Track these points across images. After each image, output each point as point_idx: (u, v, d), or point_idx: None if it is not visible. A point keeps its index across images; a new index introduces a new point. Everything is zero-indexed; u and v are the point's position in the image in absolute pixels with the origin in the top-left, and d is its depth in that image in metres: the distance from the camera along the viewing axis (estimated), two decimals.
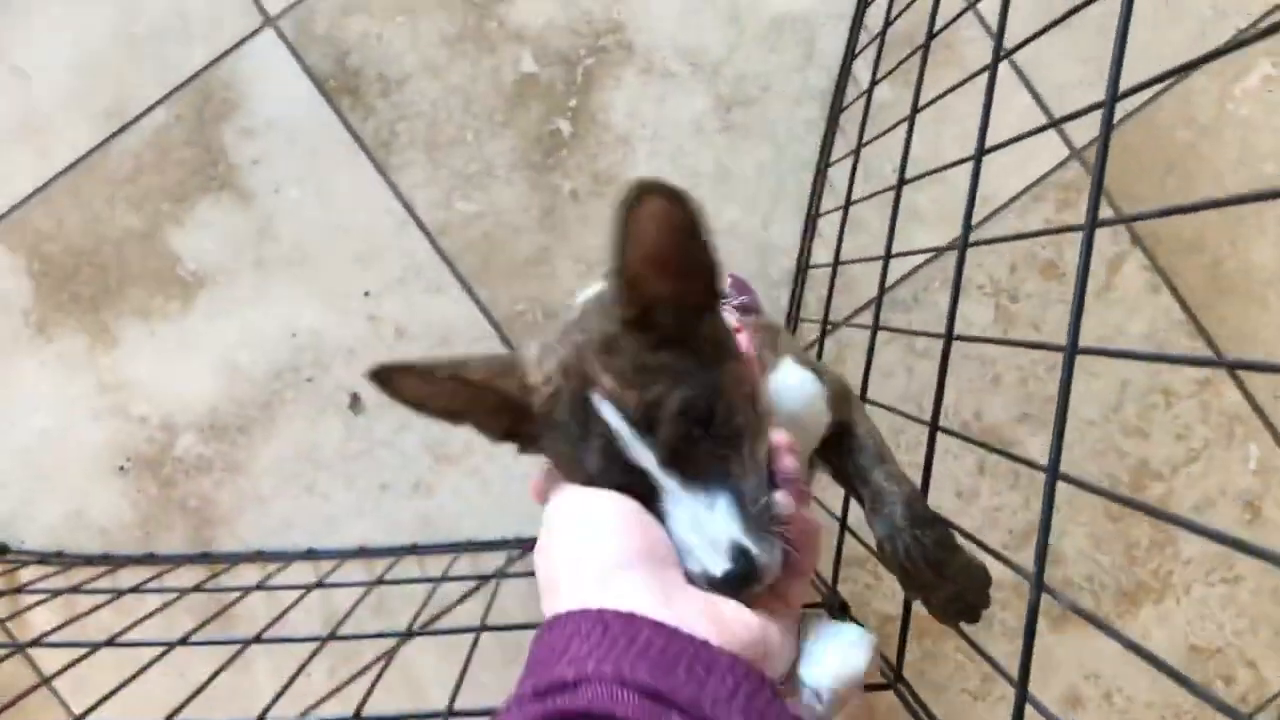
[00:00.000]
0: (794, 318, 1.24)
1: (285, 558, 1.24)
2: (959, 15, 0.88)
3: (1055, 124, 0.65)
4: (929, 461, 0.73)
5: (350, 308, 1.24)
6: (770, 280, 1.24)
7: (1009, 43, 0.70)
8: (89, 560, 1.25)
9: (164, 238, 1.23)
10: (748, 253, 1.23)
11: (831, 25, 1.23)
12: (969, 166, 0.73)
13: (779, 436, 0.54)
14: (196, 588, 1.13)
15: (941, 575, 0.65)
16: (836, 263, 1.12)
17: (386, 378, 0.52)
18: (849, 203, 1.11)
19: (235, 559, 1.24)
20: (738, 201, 1.23)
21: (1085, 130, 1.22)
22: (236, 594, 1.10)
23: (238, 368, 1.24)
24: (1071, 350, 0.55)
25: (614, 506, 0.49)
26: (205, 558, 1.25)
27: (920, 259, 1.24)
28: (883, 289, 0.93)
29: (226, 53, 1.22)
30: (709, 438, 0.50)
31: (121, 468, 1.25)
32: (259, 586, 1.13)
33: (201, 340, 1.24)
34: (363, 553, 1.24)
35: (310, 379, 1.24)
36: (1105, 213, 1.24)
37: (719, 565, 0.47)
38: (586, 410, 0.51)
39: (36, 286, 1.24)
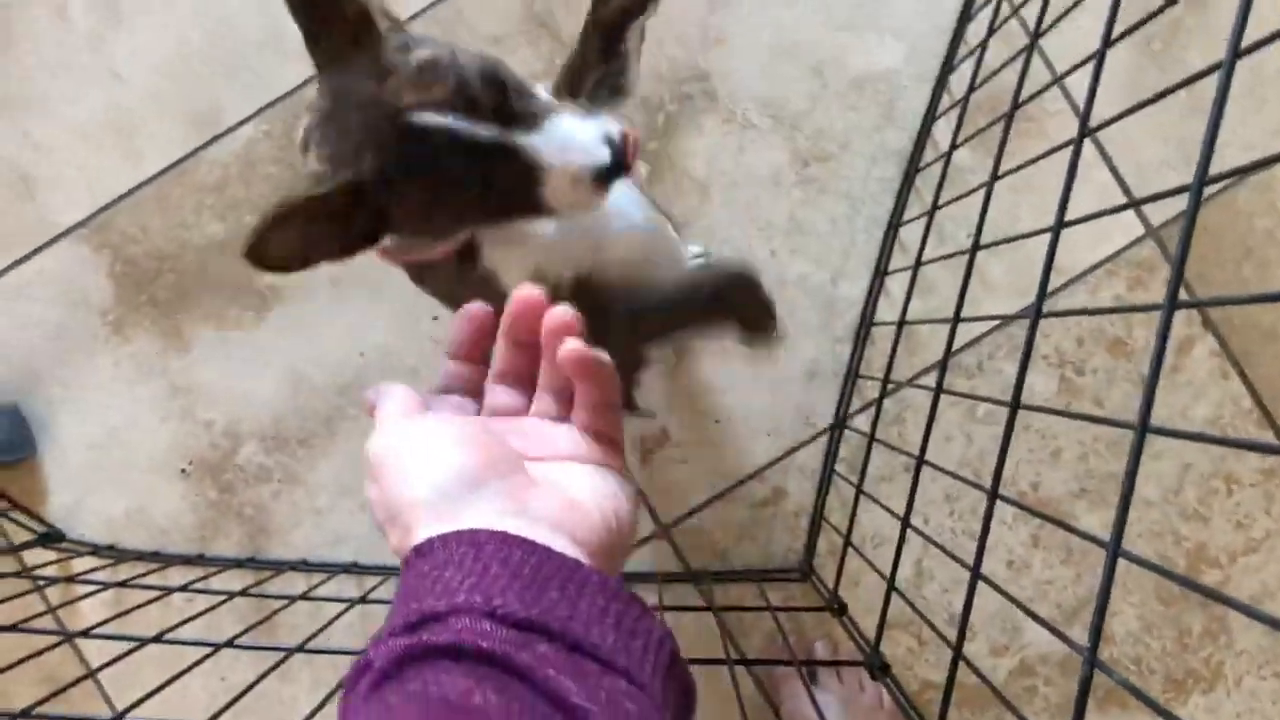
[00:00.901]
0: (854, 373, 1.24)
1: (329, 569, 1.26)
2: (1046, 88, 0.88)
3: (1136, 204, 0.66)
4: (985, 529, 0.73)
5: (417, 330, 1.26)
6: (834, 335, 1.24)
7: (1094, 117, 0.70)
8: (140, 556, 1.28)
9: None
10: (814, 306, 1.24)
11: (914, 87, 1.24)
12: (1043, 237, 0.73)
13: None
14: (244, 592, 1.15)
15: None
16: (902, 321, 1.13)
17: (258, 251, 0.55)
18: (919, 263, 1.12)
19: (281, 566, 1.26)
20: (809, 255, 1.23)
21: (1162, 209, 1.22)
22: (283, 602, 1.12)
23: (304, 381, 1.26)
24: (1142, 429, 0.54)
25: (443, 428, 0.47)
26: (252, 562, 1.27)
27: (986, 326, 1.24)
28: (949, 352, 0.93)
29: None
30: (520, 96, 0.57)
31: (184, 470, 1.27)
32: (304, 596, 1.15)
33: (272, 351, 1.26)
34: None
35: None
36: (1180, 294, 1.23)
37: (602, 155, 0.55)
38: (412, 140, 0.54)
39: (117, 287, 1.27)
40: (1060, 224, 0.72)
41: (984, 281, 1.24)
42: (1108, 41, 0.70)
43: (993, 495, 0.74)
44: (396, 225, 0.59)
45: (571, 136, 0.55)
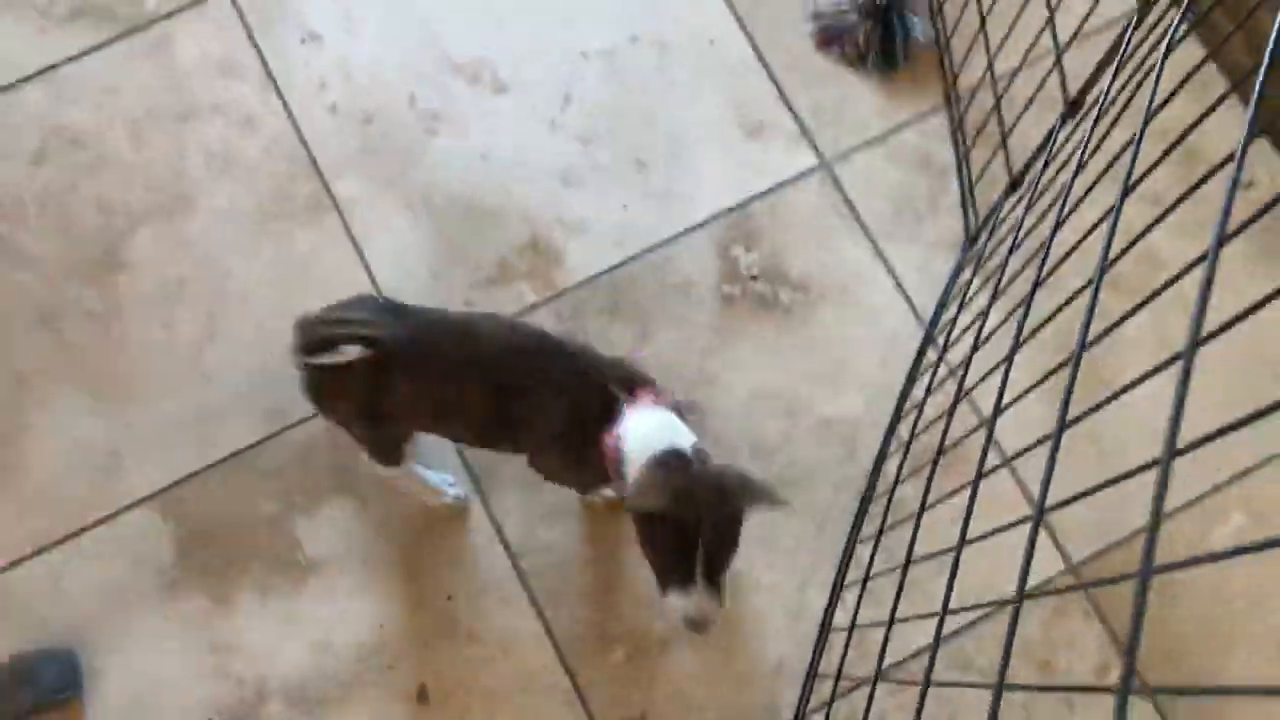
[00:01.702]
0: (813, 674, 1.41)
1: None
2: (966, 435, 1.10)
3: (1074, 573, 0.85)
4: None
5: (434, 607, 1.44)
6: (795, 641, 1.42)
7: (1008, 445, 0.91)
8: None
9: (293, 525, 1.46)
10: (782, 614, 1.42)
11: (872, 431, 1.48)
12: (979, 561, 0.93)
13: None
14: None
15: None
16: (852, 628, 1.31)
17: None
18: (866, 579, 1.31)
19: None
20: (778, 569, 1.44)
21: (1078, 549, 1.43)
22: None
23: (329, 646, 1.43)
24: None
25: None
26: None
27: (928, 638, 1.42)
28: (881, 661, 1.11)
29: None
30: (725, 566, 1.06)
31: None
32: None
33: (305, 617, 1.44)
34: None
35: (390, 666, 1.42)
36: (1095, 622, 1.43)
37: (702, 620, 1.04)
38: (695, 538, 1.02)
39: (177, 551, 1.46)
40: (960, 547, 0.93)
41: (925, 595, 1.43)
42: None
43: None
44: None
45: (701, 599, 1.03)
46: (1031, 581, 1.46)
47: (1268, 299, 0.60)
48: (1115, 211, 0.80)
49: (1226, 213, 0.59)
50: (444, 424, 1.26)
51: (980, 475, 0.94)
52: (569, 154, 1.59)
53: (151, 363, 1.52)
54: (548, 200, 1.57)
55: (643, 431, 1.10)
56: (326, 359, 1.14)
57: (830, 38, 1.64)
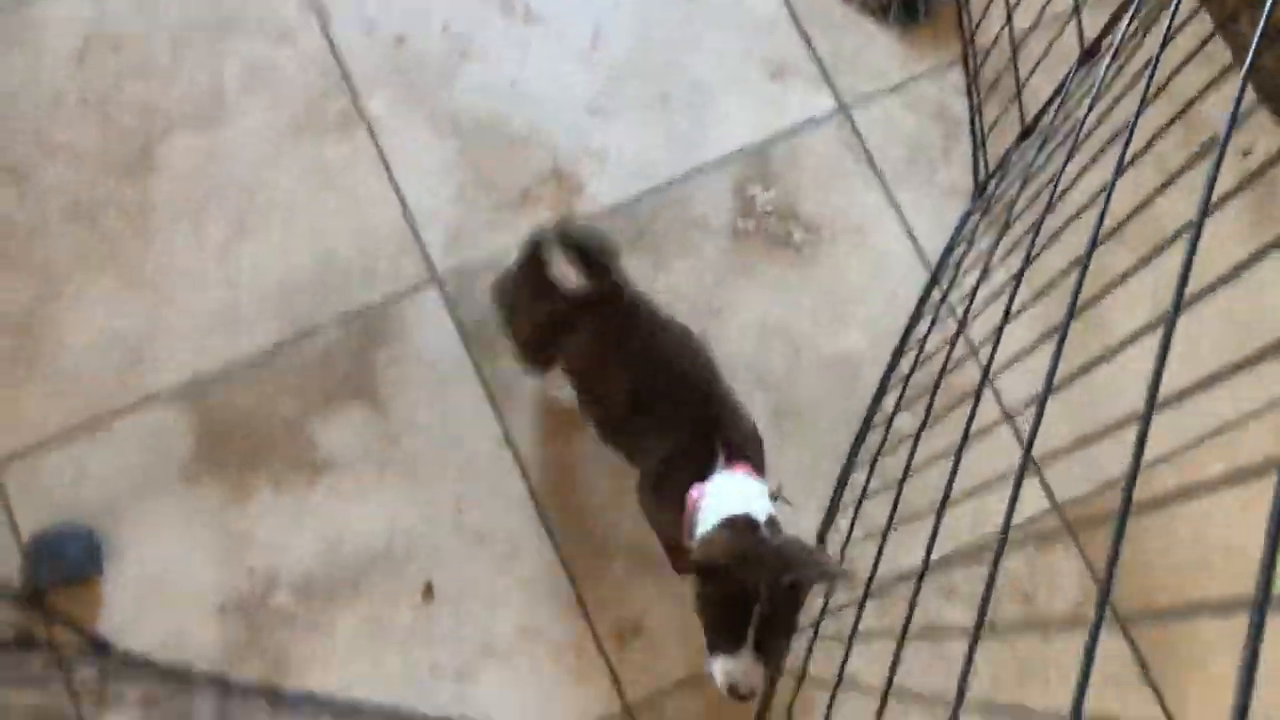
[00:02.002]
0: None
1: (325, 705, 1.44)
2: (962, 401, 1.16)
3: (1057, 509, 0.92)
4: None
5: (443, 511, 1.50)
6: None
7: (1004, 389, 0.97)
8: (173, 670, 1.46)
9: (310, 426, 1.52)
10: None
11: (873, 369, 1.54)
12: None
13: None
14: None
15: None
16: (845, 547, 1.38)
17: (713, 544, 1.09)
18: (861, 499, 1.38)
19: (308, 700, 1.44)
20: None
21: (1067, 489, 1.49)
22: None
23: (340, 543, 1.49)
24: None
25: None
26: (274, 694, 1.45)
27: (917, 563, 1.48)
28: (868, 589, 1.17)
29: (397, 296, 1.55)
30: (778, 638, 1.07)
31: (222, 608, 1.48)
32: None
33: (317, 514, 1.50)
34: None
35: (396, 565, 1.48)
36: (1078, 560, 1.49)
37: (745, 690, 1.05)
38: (751, 600, 1.03)
39: (197, 443, 1.52)
40: (948, 490, 0.99)
41: (921, 528, 1.49)
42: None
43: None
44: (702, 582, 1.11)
45: (746, 666, 1.06)
46: (1018, 519, 1.53)
47: (1254, 258, 0.66)
48: (1118, 168, 0.86)
49: (1218, 164, 0.64)
50: (586, 393, 1.30)
51: (976, 405, 1.00)
52: (595, 87, 1.64)
53: (181, 262, 1.57)
54: (572, 130, 1.62)
55: (724, 494, 1.13)
56: (568, 274, 1.17)
57: None
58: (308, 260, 1.57)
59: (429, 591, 1.48)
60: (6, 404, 1.52)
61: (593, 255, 1.18)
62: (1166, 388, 0.60)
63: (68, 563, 1.45)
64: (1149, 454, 0.71)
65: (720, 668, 1.07)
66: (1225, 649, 1.45)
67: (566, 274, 1.17)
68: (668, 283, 1.57)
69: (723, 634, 1.06)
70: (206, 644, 1.47)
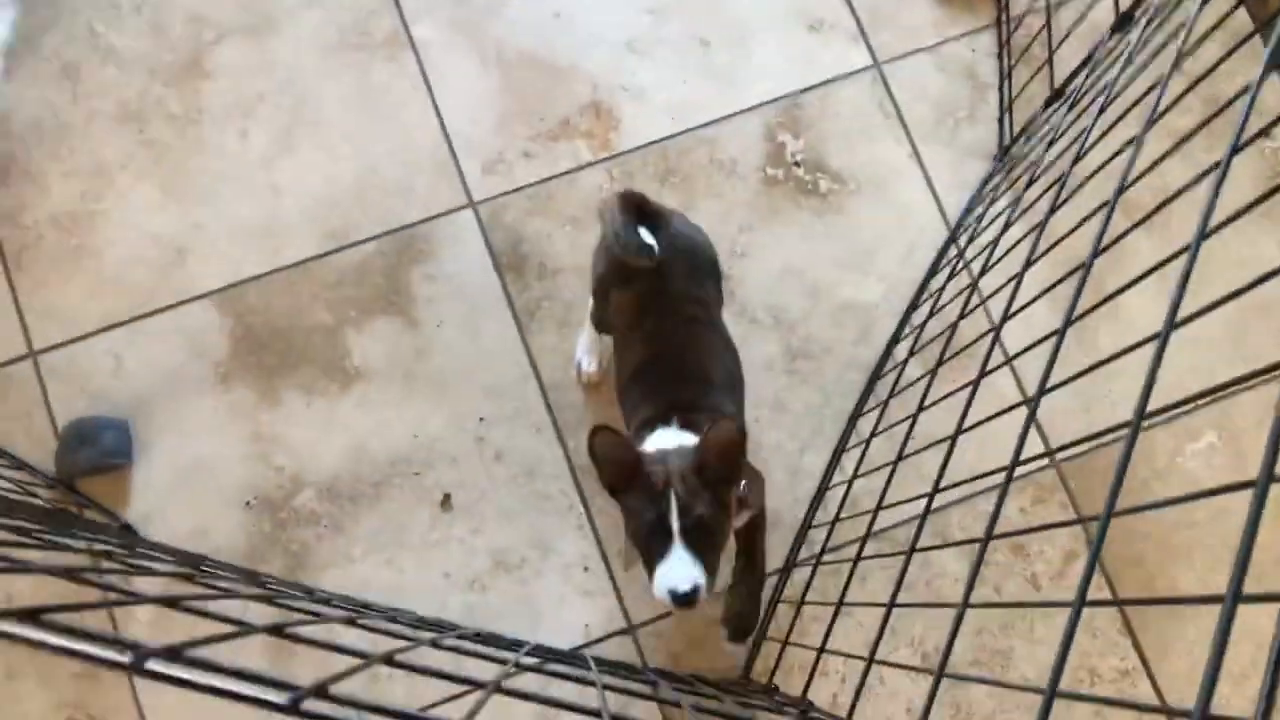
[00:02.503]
0: (806, 527, 1.53)
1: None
2: (975, 341, 1.22)
3: (1052, 451, 0.97)
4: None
5: (466, 427, 1.56)
6: (794, 497, 1.54)
7: (1012, 346, 1.03)
8: (196, 560, 1.52)
9: (343, 336, 1.57)
10: (783, 472, 1.55)
11: (888, 319, 1.59)
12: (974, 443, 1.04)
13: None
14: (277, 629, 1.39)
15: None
16: (850, 482, 1.43)
17: (599, 430, 1.08)
18: (869, 440, 1.43)
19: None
20: (784, 430, 1.55)
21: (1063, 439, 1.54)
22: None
23: (365, 449, 1.55)
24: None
25: None
26: (306, 591, 1.51)
27: (918, 509, 1.55)
28: (869, 531, 1.23)
29: (434, 217, 1.60)
30: (705, 533, 1.10)
31: (248, 503, 1.54)
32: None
33: (345, 420, 1.56)
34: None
35: (417, 473, 1.54)
36: (1070, 514, 1.55)
37: (683, 586, 1.08)
38: (664, 494, 1.09)
39: (233, 346, 1.57)
40: (958, 432, 1.04)
41: (920, 474, 1.55)
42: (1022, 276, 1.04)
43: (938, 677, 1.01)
44: (622, 505, 1.16)
45: (682, 566, 1.09)
46: (1016, 473, 1.59)
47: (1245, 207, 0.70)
48: (1137, 141, 0.90)
49: (1235, 144, 0.69)
50: (615, 347, 1.40)
51: (990, 355, 1.05)
52: (638, 24, 1.68)
53: (225, 169, 1.61)
54: (613, 66, 1.66)
55: (660, 441, 1.19)
56: (643, 252, 1.24)
57: None
58: (349, 176, 1.62)
59: (447, 502, 1.54)
60: (51, 297, 1.58)
61: (650, 226, 1.29)
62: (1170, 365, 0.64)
63: (100, 450, 1.50)
64: (1145, 419, 0.76)
65: (657, 578, 1.10)
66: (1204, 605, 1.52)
67: (646, 239, 1.26)
68: (695, 220, 1.61)
69: (652, 544, 1.11)
70: (230, 536, 1.53)
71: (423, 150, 1.63)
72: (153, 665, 0.42)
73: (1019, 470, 1.54)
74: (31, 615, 0.44)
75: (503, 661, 0.67)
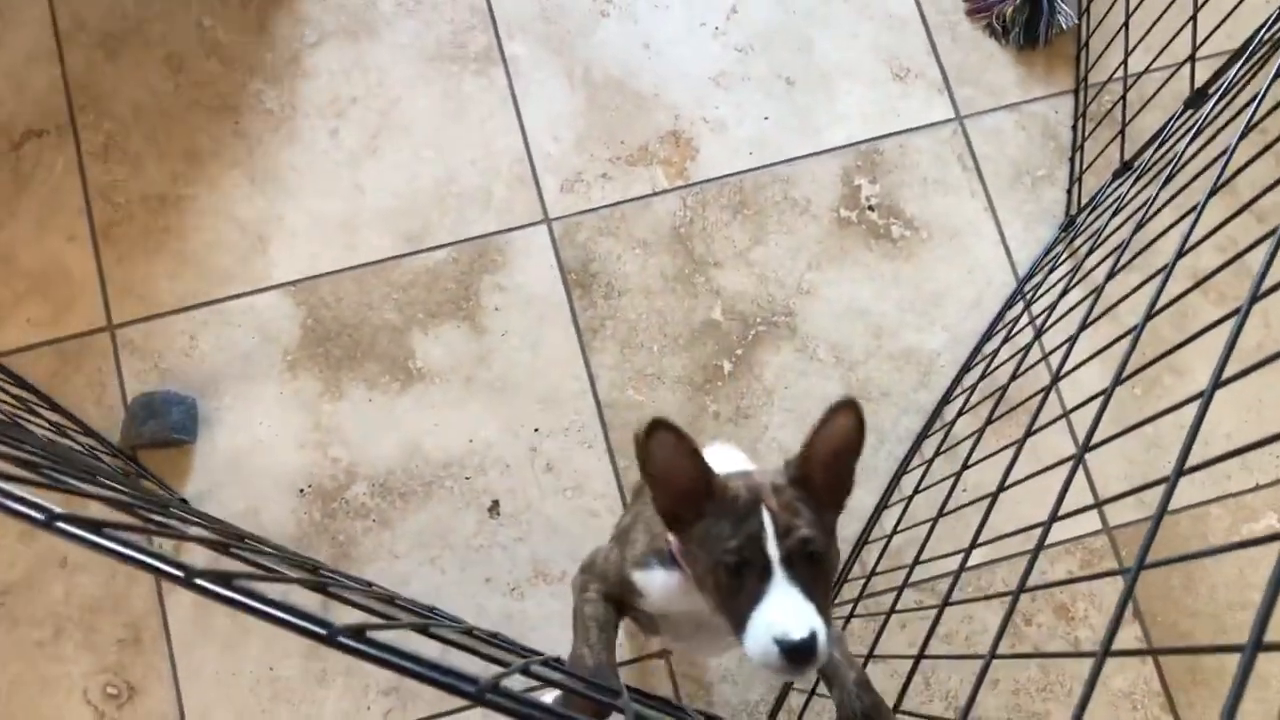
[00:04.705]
0: (842, 578, 1.53)
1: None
2: (1028, 399, 1.21)
3: (1099, 504, 0.97)
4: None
5: (520, 435, 1.58)
6: (840, 536, 1.53)
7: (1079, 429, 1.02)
8: (240, 534, 1.55)
9: (409, 336, 1.61)
10: None
11: (948, 369, 1.59)
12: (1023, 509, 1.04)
13: None
14: (320, 586, 1.41)
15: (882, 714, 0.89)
16: (890, 537, 1.43)
17: (659, 426, 0.78)
18: (910, 498, 1.43)
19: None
20: None
21: (1119, 512, 1.53)
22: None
23: (420, 449, 1.57)
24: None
25: None
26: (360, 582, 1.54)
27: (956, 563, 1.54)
28: (905, 582, 1.22)
29: (509, 230, 1.64)
30: (813, 562, 0.78)
31: (301, 491, 1.57)
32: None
33: (403, 419, 1.58)
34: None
35: (469, 477, 1.56)
36: (1120, 581, 1.53)
37: (797, 633, 0.72)
38: (751, 512, 0.78)
39: (303, 336, 1.61)
40: (1000, 488, 1.04)
41: (968, 526, 1.54)
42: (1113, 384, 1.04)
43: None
44: (680, 529, 0.85)
45: (792, 607, 0.75)
46: (1068, 535, 1.57)
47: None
48: (1199, 207, 0.90)
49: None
50: None
51: (1042, 406, 1.05)
52: (724, 59, 1.71)
53: (313, 164, 1.66)
54: (696, 97, 1.70)
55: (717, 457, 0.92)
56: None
57: (980, 7, 1.74)
58: (430, 182, 1.66)
59: (495, 508, 1.56)
60: (134, 273, 1.63)
61: None
62: (1231, 437, 0.64)
63: (167, 424, 1.54)
64: (1203, 494, 0.75)
65: (756, 626, 0.75)
66: (1251, 686, 1.49)
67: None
68: (764, 254, 1.63)
69: (741, 582, 0.78)
70: (281, 523, 1.56)
71: (504, 163, 1.67)
72: (201, 581, 0.44)
73: (1071, 534, 1.53)
74: (96, 525, 0.46)
75: (534, 676, 0.64)
